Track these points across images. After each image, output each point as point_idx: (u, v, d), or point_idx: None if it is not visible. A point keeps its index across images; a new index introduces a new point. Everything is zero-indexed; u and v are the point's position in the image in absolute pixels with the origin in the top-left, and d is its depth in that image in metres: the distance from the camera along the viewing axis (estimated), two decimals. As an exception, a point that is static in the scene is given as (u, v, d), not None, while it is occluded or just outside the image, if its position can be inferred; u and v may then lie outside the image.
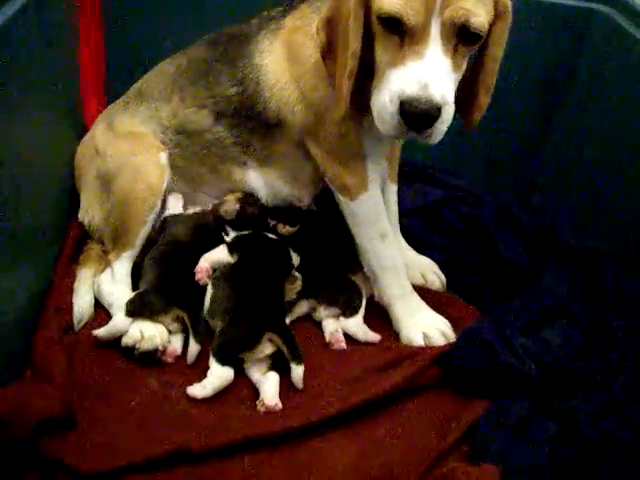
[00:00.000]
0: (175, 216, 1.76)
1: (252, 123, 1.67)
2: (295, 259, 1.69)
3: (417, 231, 1.96)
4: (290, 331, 1.52)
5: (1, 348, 1.39)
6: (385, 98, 1.29)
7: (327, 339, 1.61)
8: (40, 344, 1.49)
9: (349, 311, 1.63)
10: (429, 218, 2.02)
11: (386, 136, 1.36)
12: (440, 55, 1.26)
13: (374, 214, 1.62)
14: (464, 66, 1.35)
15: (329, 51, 1.42)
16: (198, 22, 1.84)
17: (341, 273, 1.70)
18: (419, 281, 1.80)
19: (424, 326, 1.62)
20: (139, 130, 1.77)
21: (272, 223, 1.75)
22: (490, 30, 1.33)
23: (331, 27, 1.39)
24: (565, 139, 2.09)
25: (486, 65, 1.40)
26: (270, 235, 1.73)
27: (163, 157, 1.73)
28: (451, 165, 2.19)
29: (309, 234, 1.77)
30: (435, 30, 1.24)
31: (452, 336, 1.61)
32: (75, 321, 1.61)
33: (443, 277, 1.84)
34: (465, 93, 1.42)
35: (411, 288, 1.68)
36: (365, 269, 1.68)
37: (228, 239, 1.70)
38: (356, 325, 1.62)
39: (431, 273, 1.84)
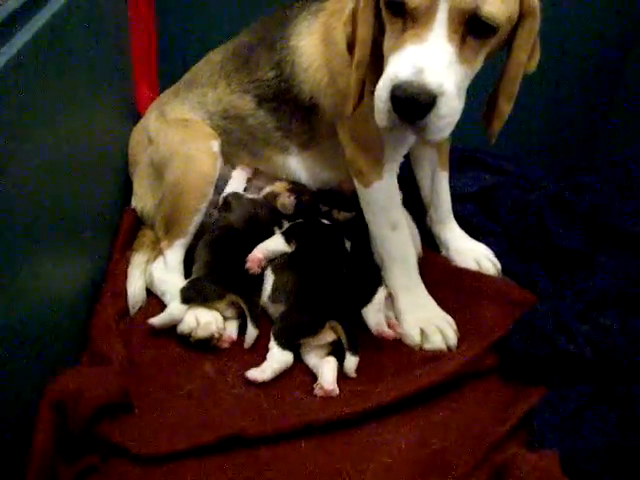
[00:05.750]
0: (237, 197, 1.76)
1: (290, 107, 1.67)
2: (347, 245, 1.68)
3: (471, 217, 1.93)
4: (350, 319, 1.50)
5: (59, 333, 1.40)
6: (380, 84, 1.20)
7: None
8: (97, 329, 1.51)
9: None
10: (482, 204, 1.99)
11: (381, 128, 1.25)
12: (443, 42, 1.15)
13: (386, 203, 1.57)
14: (477, 62, 1.24)
15: (352, 44, 1.37)
16: (251, 9, 1.82)
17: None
18: (474, 267, 1.77)
19: (424, 322, 1.56)
20: (189, 117, 1.79)
21: (325, 209, 1.74)
22: (515, 32, 1.25)
23: (354, 19, 1.35)
24: (623, 123, 2.04)
25: (509, 70, 1.29)
26: (324, 221, 1.72)
27: (215, 145, 1.74)
28: (502, 150, 2.15)
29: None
30: (441, 15, 1.14)
31: (452, 337, 1.54)
32: (130, 306, 1.63)
33: (498, 263, 1.79)
34: (489, 100, 1.36)
35: (419, 282, 1.62)
36: (375, 256, 1.64)
37: (281, 230, 1.70)
38: (368, 315, 1.53)
39: (485, 260, 1.80)
